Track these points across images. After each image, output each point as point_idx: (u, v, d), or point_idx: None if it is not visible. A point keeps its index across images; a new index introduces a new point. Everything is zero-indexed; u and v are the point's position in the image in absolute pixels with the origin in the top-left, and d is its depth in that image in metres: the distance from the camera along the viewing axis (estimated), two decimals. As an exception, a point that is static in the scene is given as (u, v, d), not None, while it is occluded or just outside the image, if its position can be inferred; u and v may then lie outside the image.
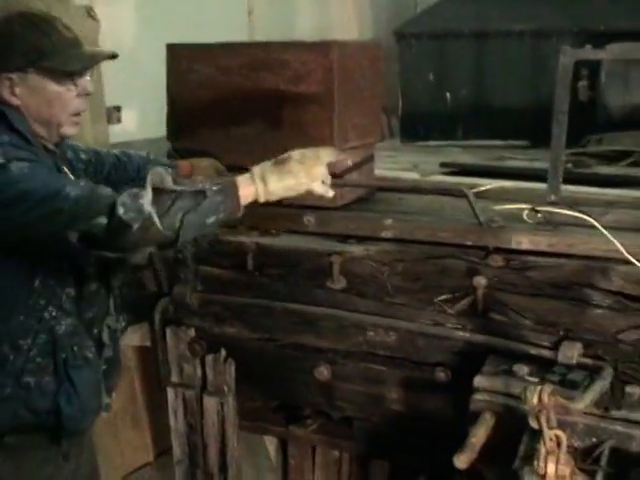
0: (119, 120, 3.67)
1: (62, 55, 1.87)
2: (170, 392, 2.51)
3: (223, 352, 2.46)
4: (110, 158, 2.27)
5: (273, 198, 1.94)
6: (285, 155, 1.93)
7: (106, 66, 3.45)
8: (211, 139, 2.55)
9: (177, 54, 2.62)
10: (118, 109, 3.67)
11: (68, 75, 1.89)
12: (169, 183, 1.76)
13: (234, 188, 1.84)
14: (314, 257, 2.34)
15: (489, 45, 4.11)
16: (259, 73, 2.48)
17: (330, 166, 2.01)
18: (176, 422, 2.53)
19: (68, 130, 1.95)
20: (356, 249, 2.31)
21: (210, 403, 2.46)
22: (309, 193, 1.98)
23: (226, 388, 2.44)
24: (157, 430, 2.93)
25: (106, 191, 1.76)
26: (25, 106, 1.87)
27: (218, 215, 1.80)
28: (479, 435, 1.82)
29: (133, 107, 3.77)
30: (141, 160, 2.33)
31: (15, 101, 1.86)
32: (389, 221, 2.31)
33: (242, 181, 1.87)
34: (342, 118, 2.44)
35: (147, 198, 1.70)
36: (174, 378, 2.51)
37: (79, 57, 1.92)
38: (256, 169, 1.91)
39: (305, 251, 2.36)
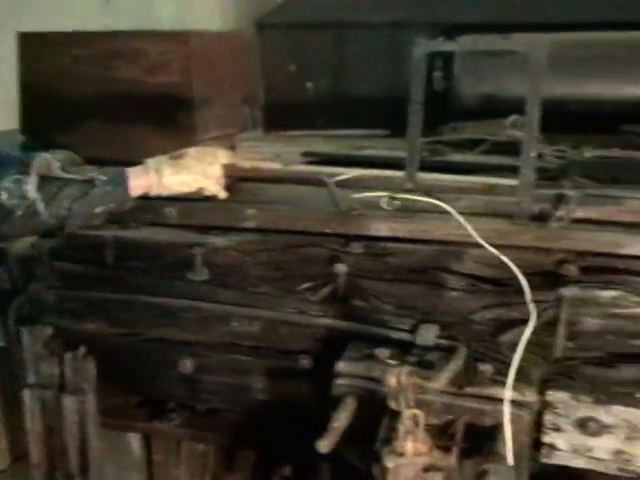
0: None
1: None
2: (26, 393, 2.41)
3: (82, 349, 2.39)
4: None
5: (165, 192, 1.91)
6: (182, 151, 1.91)
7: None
8: (67, 131, 2.47)
9: (28, 43, 2.52)
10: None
11: None
12: (57, 170, 1.70)
13: (125, 178, 1.80)
14: (175, 249, 2.32)
15: (348, 36, 4.16)
16: (115, 63, 2.42)
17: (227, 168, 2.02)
18: (33, 424, 2.43)
19: None
20: (218, 240, 2.30)
21: (69, 402, 2.38)
22: (201, 190, 1.97)
23: (86, 386, 2.37)
24: (13, 435, 2.81)
25: None
26: None
27: (107, 205, 1.77)
28: (341, 419, 1.85)
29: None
30: None
31: None
32: (251, 211, 2.30)
33: (134, 172, 1.84)
34: (202, 109, 2.42)
35: (32, 184, 1.64)
36: (30, 379, 2.41)
37: None
38: (151, 161, 1.88)
39: (166, 243, 2.33)
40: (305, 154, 3.00)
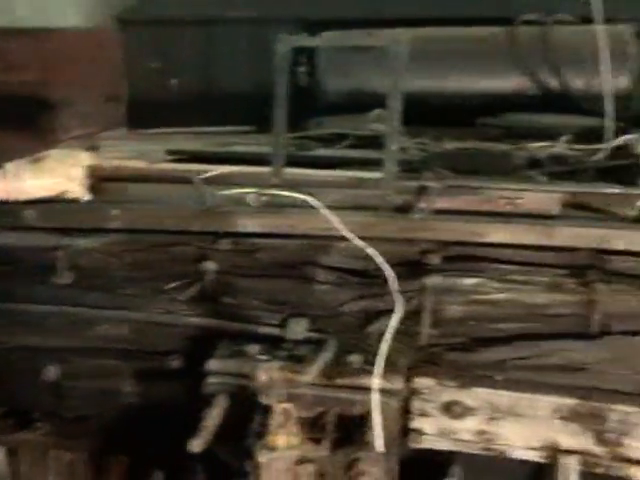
0: None
1: None
2: None
3: (-59, 360, 2.28)
4: None
5: (25, 197, 1.84)
6: (43, 153, 1.84)
7: None
8: None
9: None
10: None
11: None
12: None
13: None
14: (37, 253, 2.24)
15: (213, 31, 4.14)
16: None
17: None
18: None
19: None
20: (82, 242, 2.24)
21: None
22: (63, 193, 1.91)
23: (-54, 399, 2.27)
24: None
25: None
26: None
27: None
28: (212, 418, 1.84)
29: None
30: None
31: None
32: (115, 211, 2.25)
33: None
34: (63, 108, 2.36)
35: None
36: None
37: None
38: (10, 165, 1.80)
39: (27, 247, 2.25)
40: (170, 152, 2.96)
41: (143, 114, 3.90)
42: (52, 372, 2.22)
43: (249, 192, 2.27)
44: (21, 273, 2.26)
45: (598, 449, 1.82)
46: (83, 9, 5.23)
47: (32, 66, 2.32)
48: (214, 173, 2.51)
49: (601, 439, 1.81)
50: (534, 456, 1.86)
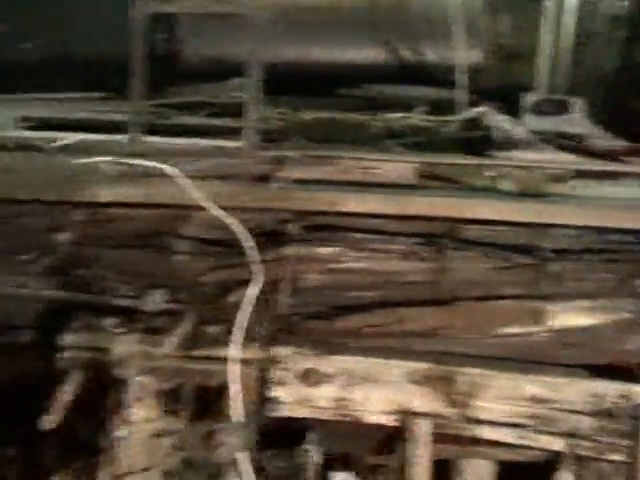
0: None
1: None
2: None
3: None
4: None
5: None
6: None
7: None
8: None
9: None
10: None
11: None
12: None
13: None
14: None
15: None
16: None
17: None
18: None
19: None
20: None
21: None
22: None
23: None
24: None
25: None
26: None
27: None
28: (65, 393, 1.79)
29: None
30: None
31: None
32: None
33: None
34: None
35: None
36: None
37: None
38: None
39: None
40: (23, 118, 2.84)
41: (-7, 78, 3.72)
42: None
43: (104, 161, 2.21)
44: None
45: (448, 411, 1.89)
46: None
47: None
48: (69, 141, 2.43)
49: (451, 401, 1.89)
50: (388, 420, 1.91)
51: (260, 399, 1.90)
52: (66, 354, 1.91)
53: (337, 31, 3.19)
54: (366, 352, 1.91)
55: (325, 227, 2.07)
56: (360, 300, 2.01)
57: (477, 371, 1.88)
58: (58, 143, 2.33)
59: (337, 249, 2.05)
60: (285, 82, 2.69)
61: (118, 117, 2.62)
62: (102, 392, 1.81)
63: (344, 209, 2.05)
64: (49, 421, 1.72)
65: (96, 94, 3.50)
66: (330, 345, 1.93)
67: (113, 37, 3.76)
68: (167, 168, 2.14)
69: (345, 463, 2.02)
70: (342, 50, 3.18)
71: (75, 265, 2.10)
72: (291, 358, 1.90)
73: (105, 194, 2.11)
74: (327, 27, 3.18)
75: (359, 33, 3.20)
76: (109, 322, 1.93)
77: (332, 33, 3.19)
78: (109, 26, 3.84)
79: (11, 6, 3.92)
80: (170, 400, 1.81)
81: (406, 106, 2.70)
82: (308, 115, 2.66)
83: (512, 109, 2.77)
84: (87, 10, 3.93)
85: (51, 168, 2.21)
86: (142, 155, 2.23)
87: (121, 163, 2.21)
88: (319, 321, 1.99)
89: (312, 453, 1.88)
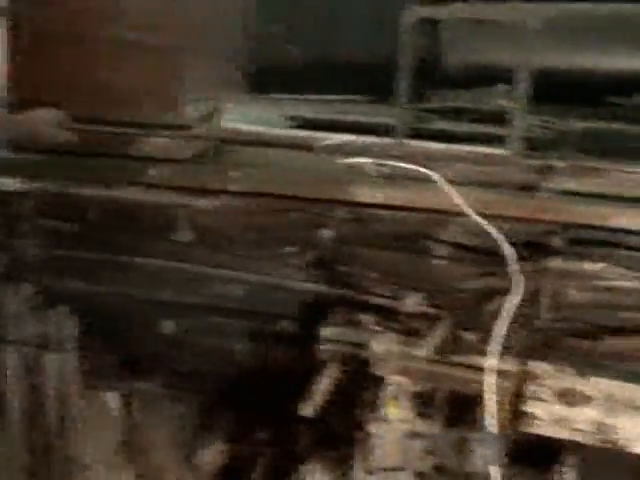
0: None
1: None
2: (7, 350, 2.40)
3: (66, 308, 2.37)
4: None
5: None
6: None
7: None
8: (55, 89, 2.44)
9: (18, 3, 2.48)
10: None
11: None
12: None
13: None
14: (160, 210, 2.30)
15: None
16: (105, 21, 2.38)
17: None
18: (14, 381, 2.42)
19: None
20: (202, 202, 2.28)
21: (51, 360, 2.38)
22: None
23: (68, 344, 2.37)
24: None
25: None
26: None
27: None
28: (325, 384, 1.86)
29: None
30: None
31: None
32: (236, 173, 2.29)
33: None
34: (190, 69, 2.39)
35: None
36: (12, 336, 2.40)
37: None
38: None
39: (150, 204, 2.31)
40: (290, 118, 2.98)
41: (261, 78, 3.93)
42: (169, 326, 2.29)
43: (368, 162, 2.26)
44: (143, 228, 2.32)
45: None
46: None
47: (162, 29, 2.35)
48: (333, 141, 2.51)
49: None
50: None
51: (515, 413, 1.86)
52: (325, 346, 1.98)
53: (612, 38, 3.04)
54: (631, 377, 1.81)
55: (591, 242, 1.98)
56: (626, 322, 1.91)
57: None
58: (324, 143, 2.41)
59: (603, 265, 1.95)
60: (552, 89, 2.61)
61: (381, 119, 2.68)
62: (357, 387, 1.86)
63: (613, 224, 1.95)
64: (308, 408, 1.79)
65: (359, 96, 3.58)
66: (593, 366, 1.85)
67: (377, 39, 3.86)
68: (430, 172, 2.15)
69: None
70: (613, 57, 3.03)
71: (336, 261, 2.17)
72: (550, 375, 1.83)
73: (368, 195, 2.16)
74: (601, 33, 3.04)
75: (633, 40, 3.03)
76: (367, 319, 1.98)
77: (603, 40, 3.04)
78: (373, 28, 3.94)
79: (279, 8, 4.12)
80: (424, 403, 1.82)
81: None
82: (577, 124, 2.56)
83: None
84: (351, 12, 4.05)
85: (317, 167, 2.29)
86: (405, 158, 2.26)
87: (384, 165, 2.24)
88: (580, 339, 1.92)
89: (568, 476, 1.81)
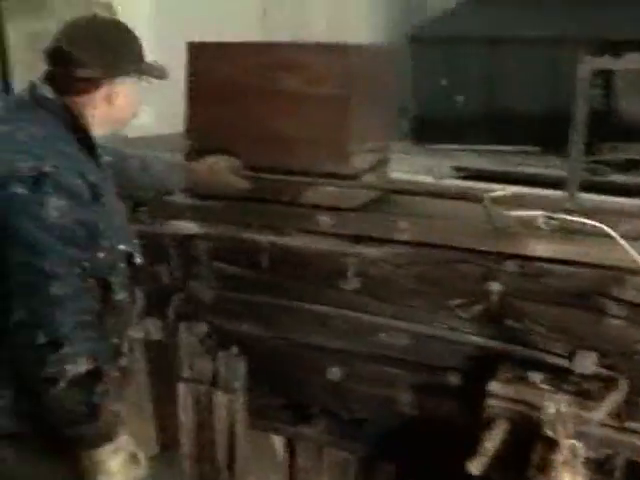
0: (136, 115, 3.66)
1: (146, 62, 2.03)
2: (181, 387, 2.50)
3: (235, 349, 2.46)
4: (134, 162, 2.34)
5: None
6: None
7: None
8: (230, 138, 2.55)
9: (197, 52, 2.61)
10: (136, 104, 3.65)
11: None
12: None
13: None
14: (328, 257, 2.34)
15: (503, 51, 4.12)
16: (278, 73, 2.47)
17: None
18: (186, 417, 2.52)
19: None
20: (370, 251, 2.31)
21: (220, 399, 2.46)
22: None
23: (237, 385, 2.44)
24: (163, 423, 2.92)
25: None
26: (117, 107, 1.94)
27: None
28: (493, 441, 1.82)
29: (149, 103, 3.74)
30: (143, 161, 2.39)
31: (114, 102, 1.93)
32: (404, 223, 2.30)
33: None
34: (359, 120, 2.44)
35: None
36: (185, 373, 2.50)
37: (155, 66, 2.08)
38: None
39: (319, 251, 2.36)
40: (457, 168, 2.99)
41: (428, 129, 3.97)
42: (335, 372, 2.32)
43: (539, 215, 2.22)
44: (312, 275, 2.37)
45: None
46: (377, 27, 5.43)
47: (331, 79, 2.42)
48: (503, 193, 2.48)
49: None
50: None
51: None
52: (493, 402, 1.95)
53: None
54: None
55: None
56: None
57: None
58: (493, 194, 2.38)
59: None
60: None
61: (552, 172, 2.64)
62: (527, 447, 1.81)
63: None
64: (476, 466, 1.76)
65: (526, 147, 3.55)
66: None
67: (543, 91, 3.82)
68: (605, 227, 2.09)
69: None
70: None
71: (504, 315, 2.14)
72: None
73: (539, 249, 2.12)
74: None
75: None
76: (537, 377, 1.93)
77: None
78: (539, 81, 3.90)
79: (447, 61, 4.16)
80: (598, 470, 1.75)
81: None
82: None
83: None
84: (518, 65, 4.04)
85: (486, 219, 2.27)
86: (578, 212, 2.20)
87: (556, 219, 2.20)
88: None
89: None
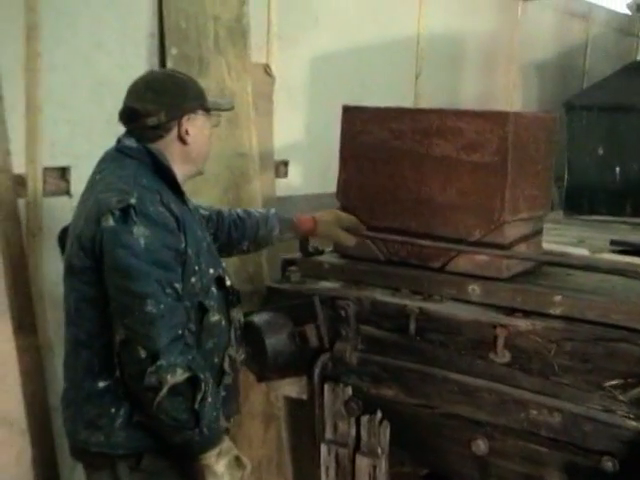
0: (286, 174, 3.78)
1: (210, 98, 2.18)
2: (323, 448, 2.50)
3: (379, 413, 2.44)
4: (232, 217, 2.48)
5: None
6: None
7: (277, 121, 3.62)
8: (380, 200, 2.59)
9: (351, 115, 2.68)
10: (285, 164, 3.78)
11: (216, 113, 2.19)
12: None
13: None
14: (478, 327, 2.31)
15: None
16: (432, 139, 2.49)
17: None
18: (327, 478, 2.52)
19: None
20: (522, 323, 2.25)
21: (363, 463, 2.44)
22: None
23: (379, 450, 2.42)
24: (298, 481, 2.94)
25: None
26: (192, 144, 2.09)
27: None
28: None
29: (299, 163, 3.86)
30: (260, 217, 2.53)
31: (187, 140, 2.08)
32: (558, 297, 2.25)
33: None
34: (514, 189, 2.41)
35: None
36: (328, 435, 2.50)
37: (220, 100, 2.29)
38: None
39: (469, 320, 2.33)
40: (614, 242, 2.89)
41: (581, 199, 3.88)
42: (480, 446, 2.26)
43: None
44: (460, 344, 2.34)
45: None
46: (529, 94, 5.40)
47: (488, 146, 2.41)
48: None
49: None
50: None
51: None
52: (651, 492, 1.84)
53: None
54: None
55: None
56: None
57: None
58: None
59: None
60: None
61: None
62: None
63: None
64: None
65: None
66: None
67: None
68: None
69: None
70: None
71: (666, 401, 2.03)
72: None
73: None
74: None
75: None
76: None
77: None
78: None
79: (605, 131, 4.07)
80: None
81: None
82: None
83: None
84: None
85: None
86: None
87: None
88: None
89: None
